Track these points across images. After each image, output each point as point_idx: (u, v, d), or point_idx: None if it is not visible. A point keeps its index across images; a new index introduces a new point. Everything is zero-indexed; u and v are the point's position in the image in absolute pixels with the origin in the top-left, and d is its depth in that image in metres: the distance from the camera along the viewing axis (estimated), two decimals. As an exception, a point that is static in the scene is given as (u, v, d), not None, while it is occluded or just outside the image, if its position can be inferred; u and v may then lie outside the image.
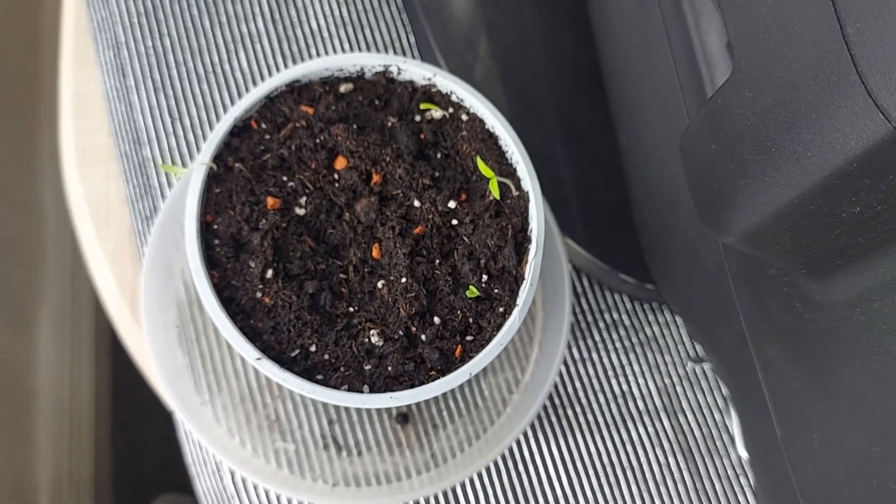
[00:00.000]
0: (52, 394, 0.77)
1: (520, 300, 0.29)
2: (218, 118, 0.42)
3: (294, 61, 0.43)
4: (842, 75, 0.18)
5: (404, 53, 0.44)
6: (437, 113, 0.32)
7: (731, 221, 0.24)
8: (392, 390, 0.28)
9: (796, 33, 0.19)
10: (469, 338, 0.29)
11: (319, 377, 0.28)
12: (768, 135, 0.21)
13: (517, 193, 0.31)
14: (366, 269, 0.30)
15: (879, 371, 0.23)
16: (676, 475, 0.40)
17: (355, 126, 0.31)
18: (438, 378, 0.28)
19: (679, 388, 0.41)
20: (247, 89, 0.42)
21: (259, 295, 0.28)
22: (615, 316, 0.42)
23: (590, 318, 0.42)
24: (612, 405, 0.40)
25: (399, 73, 0.32)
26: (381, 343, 0.28)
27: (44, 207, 0.80)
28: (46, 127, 0.78)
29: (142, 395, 0.80)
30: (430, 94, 0.32)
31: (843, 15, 0.18)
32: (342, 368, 0.28)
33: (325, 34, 0.44)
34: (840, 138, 0.19)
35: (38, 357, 0.76)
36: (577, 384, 0.41)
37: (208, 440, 0.34)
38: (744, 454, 0.36)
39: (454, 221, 0.30)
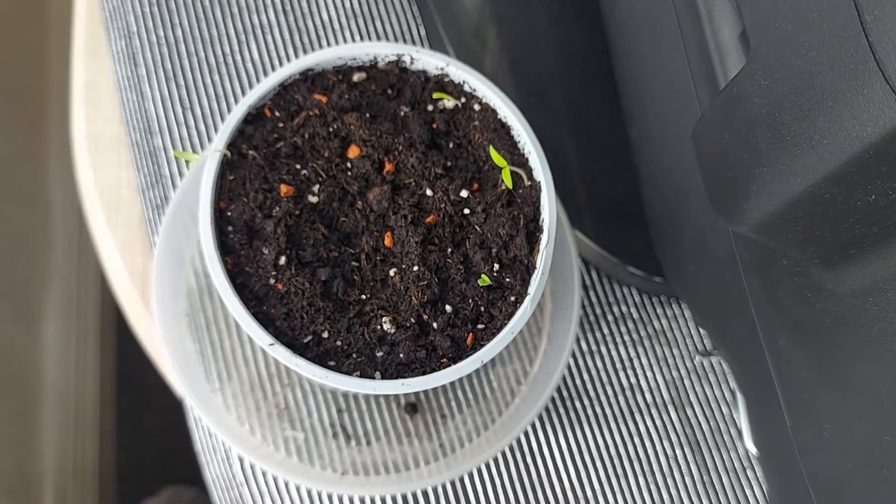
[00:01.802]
0: (58, 385, 0.78)
1: (531, 289, 0.29)
2: (229, 108, 0.42)
3: (305, 52, 0.43)
4: (859, 62, 0.18)
5: (415, 45, 0.44)
6: (449, 102, 0.32)
7: (745, 210, 0.24)
8: (404, 377, 0.28)
9: (813, 21, 0.20)
10: (480, 326, 0.29)
11: (331, 363, 0.28)
12: (784, 123, 0.21)
13: (529, 183, 0.31)
14: (378, 257, 0.30)
15: (892, 361, 0.23)
16: (684, 468, 0.40)
17: (368, 115, 0.31)
18: (450, 365, 0.28)
19: (687, 382, 0.41)
20: (258, 80, 0.42)
21: (272, 281, 0.29)
22: (623, 309, 0.42)
23: (598, 311, 0.42)
24: (620, 398, 0.41)
25: (412, 63, 0.32)
26: (393, 330, 0.29)
27: (51, 200, 0.80)
28: (54, 120, 0.79)
29: (146, 385, 0.81)
30: (443, 84, 0.32)
31: (861, 2, 0.18)
32: (354, 355, 0.28)
33: (336, 25, 0.44)
34: (856, 126, 0.19)
35: (43, 349, 0.76)
36: (586, 376, 0.41)
37: (218, 428, 0.35)
38: (751, 448, 0.36)
39: (466, 210, 0.30)
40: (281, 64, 0.43)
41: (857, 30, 0.18)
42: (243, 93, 0.42)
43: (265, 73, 0.43)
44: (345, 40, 0.44)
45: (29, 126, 0.77)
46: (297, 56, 0.43)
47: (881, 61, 0.18)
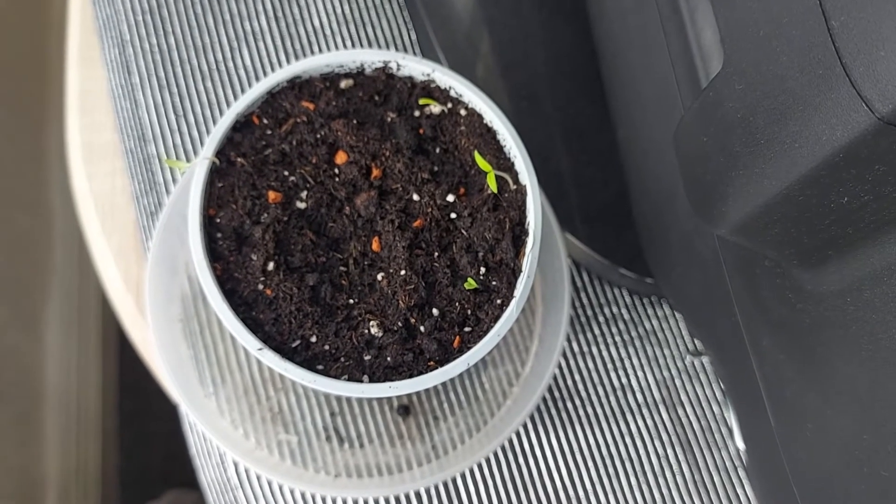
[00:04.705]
0: (60, 389, 0.78)
1: (517, 292, 0.29)
2: (221, 115, 0.42)
3: (296, 59, 0.44)
4: (827, 67, 0.18)
5: (406, 50, 0.45)
6: (435, 108, 0.32)
7: (724, 213, 0.25)
8: (391, 380, 0.28)
9: (784, 26, 0.20)
10: (467, 329, 0.30)
11: (320, 367, 0.28)
12: (758, 127, 0.22)
13: (515, 187, 0.31)
14: (366, 262, 0.30)
15: (869, 360, 0.23)
16: (675, 467, 0.40)
17: (355, 121, 0.31)
18: (437, 368, 0.28)
19: (678, 382, 0.41)
20: (250, 86, 0.43)
21: (261, 287, 0.29)
22: (615, 310, 0.42)
23: (589, 313, 0.42)
24: (612, 398, 0.41)
25: (398, 69, 0.32)
26: (380, 334, 0.29)
27: (51, 204, 0.80)
28: (54, 124, 0.79)
29: (148, 389, 0.81)
30: (429, 90, 0.32)
31: (827, 8, 0.18)
32: (342, 359, 0.29)
33: (328, 32, 0.44)
34: (826, 129, 0.19)
35: (45, 352, 0.77)
36: (577, 377, 0.41)
37: (212, 432, 0.35)
38: (741, 447, 0.37)
39: (453, 215, 0.31)
40: (273, 70, 0.43)
41: (825, 35, 0.18)
42: (236, 99, 0.42)
43: (257, 80, 0.43)
44: (336, 46, 0.44)
45: (30, 131, 0.78)
46: (288, 62, 0.43)
47: (847, 66, 0.18)
